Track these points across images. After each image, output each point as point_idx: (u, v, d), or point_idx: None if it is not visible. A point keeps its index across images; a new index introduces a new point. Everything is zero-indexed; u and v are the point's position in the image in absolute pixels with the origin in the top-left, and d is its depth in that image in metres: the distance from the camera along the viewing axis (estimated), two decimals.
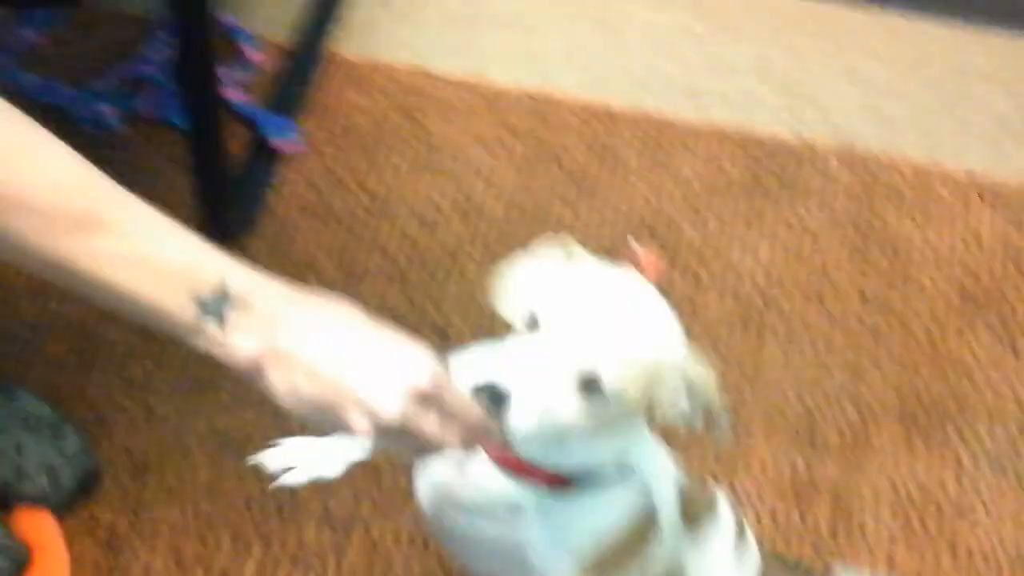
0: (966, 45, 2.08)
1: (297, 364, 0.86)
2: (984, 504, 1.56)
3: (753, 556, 1.22)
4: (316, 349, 0.87)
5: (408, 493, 1.15)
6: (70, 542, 1.44)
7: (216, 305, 0.86)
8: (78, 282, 0.85)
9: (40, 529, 1.42)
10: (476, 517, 1.04)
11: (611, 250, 1.75)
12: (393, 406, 0.86)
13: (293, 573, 1.46)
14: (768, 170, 1.88)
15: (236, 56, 1.93)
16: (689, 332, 1.66)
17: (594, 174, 1.86)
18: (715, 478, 1.57)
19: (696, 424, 0.96)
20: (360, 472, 1.28)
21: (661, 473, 1.08)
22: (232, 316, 0.86)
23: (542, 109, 1.93)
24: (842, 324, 1.72)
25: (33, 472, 1.43)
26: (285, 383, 0.87)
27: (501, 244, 1.76)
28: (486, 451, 1.00)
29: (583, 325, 0.91)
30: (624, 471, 1.03)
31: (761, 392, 1.64)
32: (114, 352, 1.61)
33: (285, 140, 1.82)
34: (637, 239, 1.78)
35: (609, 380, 0.90)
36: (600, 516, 1.03)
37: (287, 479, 1.19)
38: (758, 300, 1.74)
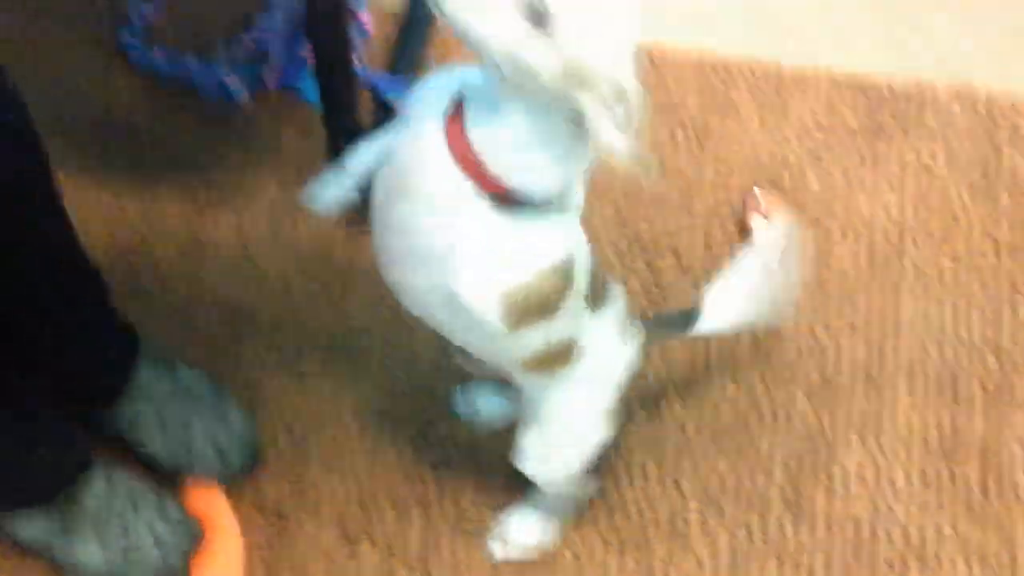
0: None
1: None
2: None
3: (636, 336, 1.28)
4: None
5: None
6: (238, 516, 1.49)
7: None
8: None
9: (212, 504, 1.47)
10: (419, 206, 1.02)
11: (736, 201, 1.76)
12: None
13: (455, 540, 1.50)
14: (888, 114, 1.86)
15: (353, 24, 1.93)
16: (824, 284, 1.69)
17: (714, 126, 1.85)
18: (860, 436, 1.58)
19: (622, 139, 0.93)
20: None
21: (582, 241, 1.10)
22: None
23: (656, 63, 1.92)
24: (977, 272, 1.72)
25: (201, 448, 1.47)
26: None
27: (627, 198, 1.77)
28: (450, 142, 0.99)
29: None
30: (562, 207, 1.03)
31: (902, 346, 1.65)
32: (264, 327, 1.64)
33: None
34: (762, 190, 1.79)
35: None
36: (531, 245, 1.03)
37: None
38: (890, 250, 1.74)
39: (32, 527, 1.41)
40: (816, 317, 1.67)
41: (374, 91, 1.85)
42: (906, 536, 1.52)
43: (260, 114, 1.84)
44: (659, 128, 1.85)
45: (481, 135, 0.98)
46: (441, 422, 1.58)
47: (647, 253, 1.73)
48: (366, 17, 1.94)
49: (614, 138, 0.93)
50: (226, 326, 1.65)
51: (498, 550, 1.48)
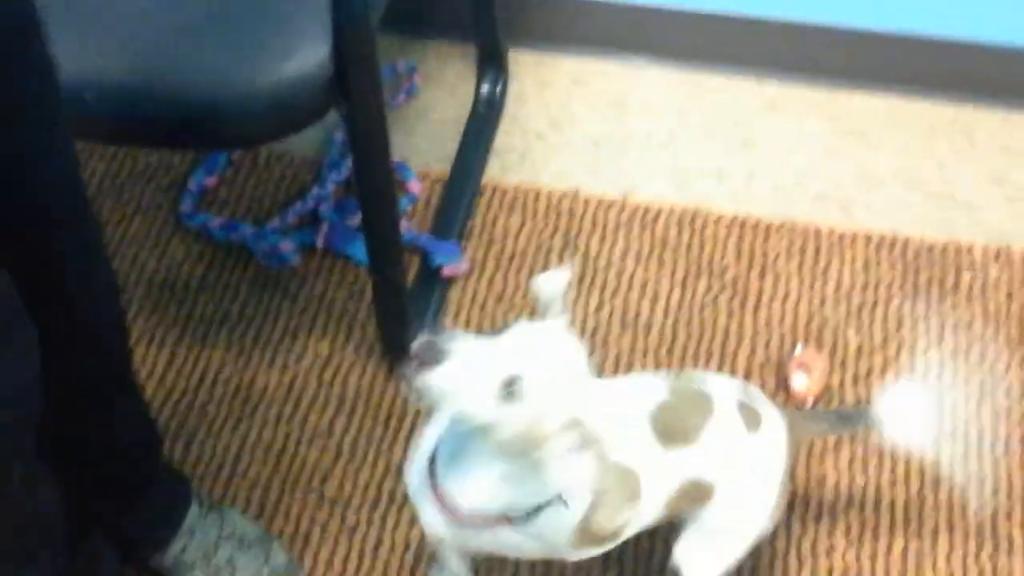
0: None
1: None
2: None
3: (775, 421, 1.39)
4: None
5: None
6: None
7: None
8: None
9: None
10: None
11: (778, 359, 1.79)
12: None
13: None
14: (924, 274, 1.91)
15: (400, 189, 2.02)
16: (866, 439, 1.69)
17: (753, 285, 1.90)
18: None
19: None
20: None
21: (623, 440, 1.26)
22: None
23: (695, 224, 1.98)
24: (1017, 423, 1.73)
25: None
26: None
27: (669, 355, 1.81)
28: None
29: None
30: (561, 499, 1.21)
31: (943, 493, 1.65)
32: (312, 472, 1.68)
33: (454, 264, 1.90)
34: (803, 347, 1.82)
35: (520, 381, 1.07)
36: (560, 523, 1.23)
37: None
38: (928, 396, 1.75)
39: None
40: (856, 462, 1.68)
41: (420, 252, 1.92)
42: None
43: (311, 276, 1.91)
44: (700, 288, 1.90)
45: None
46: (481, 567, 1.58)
47: None
48: (415, 186, 2.03)
49: (572, 477, 1.18)
50: (275, 475, 1.68)
51: None
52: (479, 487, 1.19)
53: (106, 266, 1.27)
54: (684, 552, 1.41)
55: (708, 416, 1.34)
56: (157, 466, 1.49)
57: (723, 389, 1.39)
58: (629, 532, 1.34)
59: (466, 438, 1.17)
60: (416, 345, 1.07)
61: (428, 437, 1.25)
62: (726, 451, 1.34)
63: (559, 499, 1.20)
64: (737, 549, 1.42)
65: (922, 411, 1.43)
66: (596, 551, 1.33)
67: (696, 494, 1.34)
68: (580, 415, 1.10)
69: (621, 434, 1.27)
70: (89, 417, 1.31)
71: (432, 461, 1.23)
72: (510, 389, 1.07)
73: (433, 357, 1.06)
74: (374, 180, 1.56)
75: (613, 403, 1.29)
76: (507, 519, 1.22)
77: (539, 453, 1.13)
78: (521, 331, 1.10)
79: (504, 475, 1.17)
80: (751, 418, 1.38)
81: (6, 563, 1.16)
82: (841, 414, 1.62)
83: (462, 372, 1.06)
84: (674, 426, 1.32)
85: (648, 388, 1.36)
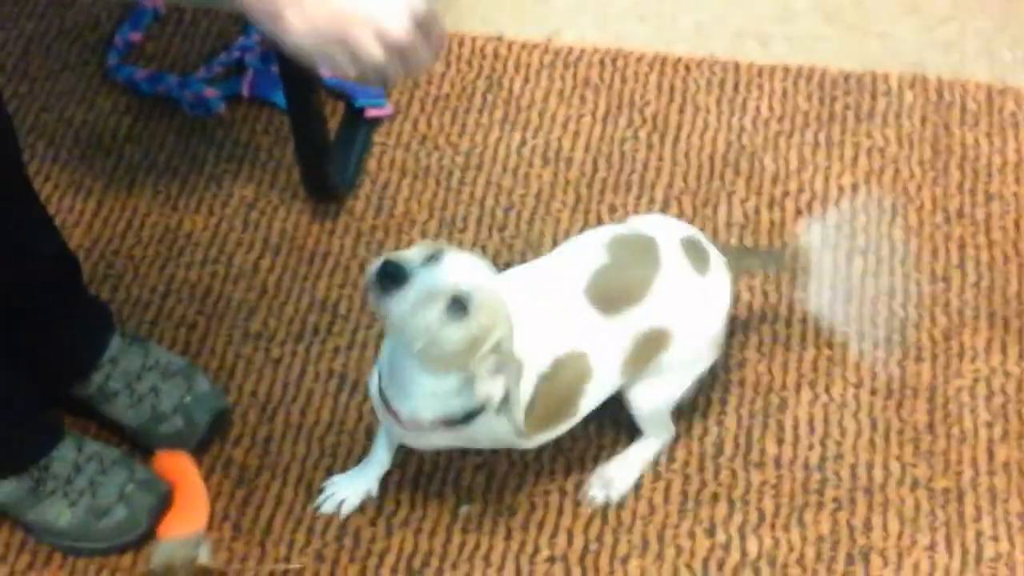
0: None
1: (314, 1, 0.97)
2: None
3: (718, 260, 1.45)
4: None
5: None
6: (207, 479, 1.54)
7: None
8: None
9: (179, 467, 1.52)
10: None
11: (696, 189, 1.83)
12: (402, 27, 0.98)
13: (415, 494, 1.54)
14: (841, 102, 1.93)
15: None
16: (780, 254, 1.73)
17: (673, 119, 1.92)
18: (812, 385, 1.62)
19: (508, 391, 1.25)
20: None
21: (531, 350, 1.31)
22: None
23: (617, 64, 2.00)
24: (927, 239, 1.77)
25: (169, 413, 1.53)
26: (302, 19, 0.97)
27: (589, 188, 1.84)
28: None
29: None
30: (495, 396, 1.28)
31: (853, 304, 1.70)
32: (236, 310, 1.72)
33: (377, 107, 1.92)
34: (720, 176, 1.85)
35: (467, 300, 1.19)
36: (494, 426, 1.32)
37: (343, 510, 1.52)
38: (844, 224, 1.79)
39: (1, 491, 1.46)
40: (769, 281, 1.72)
41: (344, 96, 1.94)
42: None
43: (236, 123, 1.93)
44: (621, 124, 1.92)
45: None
46: None
47: None
48: None
49: (493, 393, 1.26)
50: (199, 312, 1.72)
51: (599, 495, 1.53)
52: (413, 400, 1.30)
53: None
54: (636, 392, 1.45)
55: (655, 267, 1.38)
56: (76, 290, 1.52)
57: (667, 231, 1.43)
58: (590, 406, 1.39)
59: (404, 355, 1.27)
60: (372, 270, 1.18)
61: (384, 351, 1.35)
62: (678, 297, 1.39)
63: (489, 407, 1.28)
64: (684, 384, 1.47)
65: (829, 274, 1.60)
66: (555, 432, 1.41)
67: (653, 345, 1.38)
68: (504, 337, 1.22)
69: (558, 321, 1.33)
70: None
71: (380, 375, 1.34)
72: (454, 309, 1.18)
73: (389, 283, 1.17)
74: None
75: (545, 291, 1.35)
76: (444, 424, 1.31)
77: (466, 372, 1.24)
78: (459, 258, 1.22)
79: (435, 390, 1.28)
80: (699, 259, 1.42)
81: None
82: (770, 253, 1.70)
83: (413, 296, 1.18)
84: (617, 289, 1.36)
85: (584, 256, 1.39)
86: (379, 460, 1.51)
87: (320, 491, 1.54)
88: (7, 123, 1.36)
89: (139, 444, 1.56)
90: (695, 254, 1.42)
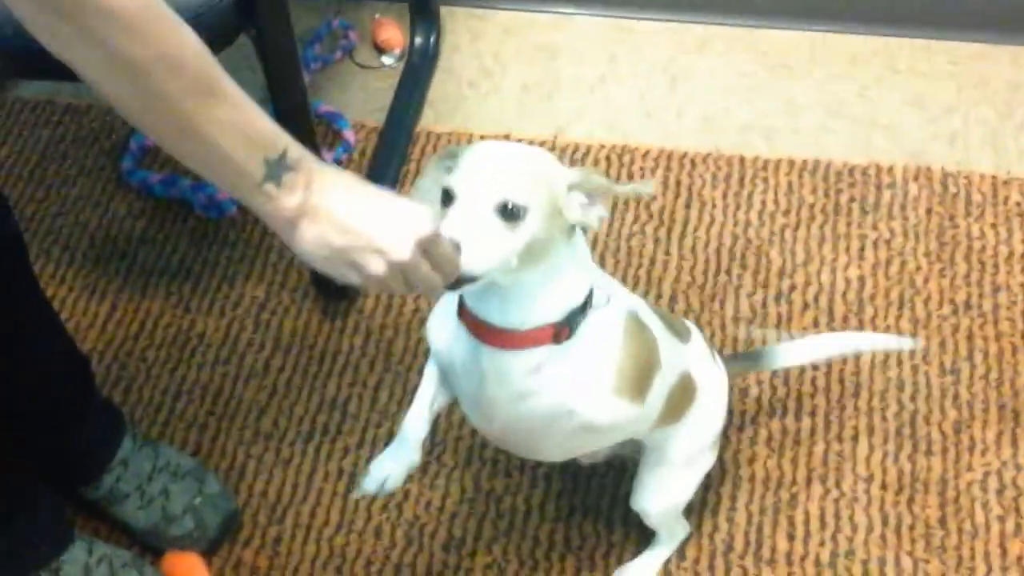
0: (1018, 60, 2.14)
1: (326, 218, 1.03)
2: None
3: (720, 366, 1.48)
4: (341, 205, 1.03)
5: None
6: None
7: (278, 167, 1.01)
8: (191, 143, 0.98)
9: (189, 568, 1.53)
10: (518, 403, 1.22)
11: (704, 283, 1.84)
12: (405, 250, 1.02)
13: None
14: (846, 194, 1.95)
15: (336, 139, 2.07)
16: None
17: (679, 214, 1.94)
18: (822, 480, 1.62)
19: (604, 212, 1.15)
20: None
21: (631, 298, 1.29)
22: (285, 177, 1.01)
23: (623, 159, 2.03)
24: (935, 331, 1.77)
25: (180, 515, 1.54)
26: (315, 234, 1.03)
27: None
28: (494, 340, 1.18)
29: (483, 174, 1.10)
30: (599, 302, 1.20)
31: (863, 399, 1.70)
32: (247, 410, 1.73)
33: None
34: (727, 270, 1.86)
35: (516, 199, 1.08)
36: (605, 342, 1.21)
37: (388, 486, 1.34)
38: (851, 317, 1.80)
39: None
40: (777, 375, 1.72)
41: None
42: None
43: (248, 224, 1.96)
44: (628, 219, 1.94)
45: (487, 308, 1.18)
46: (414, 491, 1.63)
47: None
48: (350, 135, 2.08)
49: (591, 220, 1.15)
50: (211, 413, 1.73)
51: None
52: (527, 303, 1.16)
53: None
54: (644, 497, 1.46)
55: (688, 331, 1.43)
56: (87, 393, 1.54)
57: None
58: (655, 400, 1.30)
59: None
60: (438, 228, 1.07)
61: (446, 300, 1.26)
62: (702, 363, 1.43)
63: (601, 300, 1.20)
64: (691, 484, 1.48)
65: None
66: (631, 408, 1.26)
67: (685, 392, 1.38)
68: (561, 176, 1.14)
69: (641, 306, 1.32)
70: (11, 350, 1.36)
71: (460, 305, 1.21)
72: (507, 212, 1.08)
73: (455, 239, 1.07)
74: (287, 101, 1.60)
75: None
76: (553, 331, 1.18)
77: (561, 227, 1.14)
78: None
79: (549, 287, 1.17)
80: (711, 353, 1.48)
81: None
82: (751, 354, 1.64)
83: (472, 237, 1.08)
84: (672, 323, 1.39)
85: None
86: (419, 423, 1.32)
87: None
88: (16, 230, 1.39)
89: (149, 545, 1.56)
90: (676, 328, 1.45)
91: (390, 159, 2.06)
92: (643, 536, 1.56)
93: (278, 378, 1.77)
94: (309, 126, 1.68)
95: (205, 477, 1.58)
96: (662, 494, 1.46)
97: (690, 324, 1.49)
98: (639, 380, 1.25)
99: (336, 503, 1.63)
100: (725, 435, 1.62)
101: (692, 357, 1.40)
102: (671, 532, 1.54)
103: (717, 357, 1.50)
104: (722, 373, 1.48)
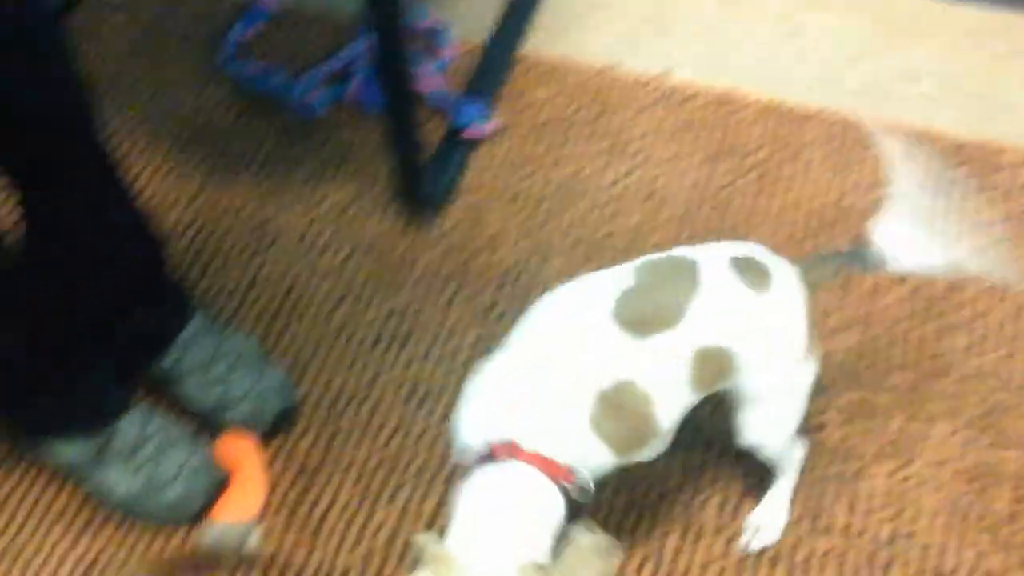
0: None
1: None
2: None
3: (785, 274, 1.33)
4: None
5: None
6: (268, 467, 1.53)
7: None
8: None
9: (242, 452, 1.52)
10: None
11: (797, 244, 1.78)
12: None
13: None
14: (957, 169, 1.88)
15: (435, 53, 2.03)
16: (871, 322, 1.68)
17: (778, 170, 1.89)
18: (892, 457, 1.57)
19: None
20: None
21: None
22: None
23: (727, 109, 1.97)
24: None
25: (238, 400, 1.53)
26: None
27: (686, 228, 1.81)
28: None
29: None
30: None
31: (946, 382, 1.64)
32: (318, 307, 1.71)
33: (477, 127, 1.91)
34: (819, 234, 1.80)
35: None
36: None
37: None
38: (942, 293, 1.73)
39: (69, 452, 1.47)
40: (862, 342, 1.67)
41: (447, 113, 1.93)
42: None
43: (338, 128, 1.94)
44: (723, 168, 1.89)
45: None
46: None
47: None
48: (451, 50, 2.04)
49: None
50: (281, 306, 1.72)
51: (754, 541, 1.51)
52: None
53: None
54: (741, 427, 1.38)
55: (692, 289, 1.28)
56: (156, 271, 1.52)
57: (714, 253, 1.32)
58: (668, 422, 1.28)
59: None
60: None
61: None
62: (728, 316, 1.28)
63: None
64: (795, 409, 1.39)
65: (918, 234, 1.39)
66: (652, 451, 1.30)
67: (715, 366, 1.28)
68: None
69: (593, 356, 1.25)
70: (77, 207, 1.34)
71: None
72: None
73: None
74: (388, 30, 1.59)
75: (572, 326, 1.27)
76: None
77: None
78: None
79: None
80: (756, 277, 1.31)
81: None
82: (846, 252, 1.44)
83: None
84: (648, 311, 1.26)
85: (605, 284, 1.29)
86: None
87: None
88: (84, 98, 1.32)
89: (206, 427, 1.55)
90: (750, 272, 1.31)
91: (489, 76, 2.02)
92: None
93: (352, 280, 1.75)
94: (403, 58, 1.65)
95: (268, 367, 1.57)
96: (771, 425, 1.39)
97: (707, 251, 1.33)
98: (637, 439, 1.28)
99: (395, 409, 1.61)
100: None
101: (704, 321, 1.27)
102: (789, 458, 1.48)
103: (779, 271, 1.33)
104: (782, 294, 1.32)
